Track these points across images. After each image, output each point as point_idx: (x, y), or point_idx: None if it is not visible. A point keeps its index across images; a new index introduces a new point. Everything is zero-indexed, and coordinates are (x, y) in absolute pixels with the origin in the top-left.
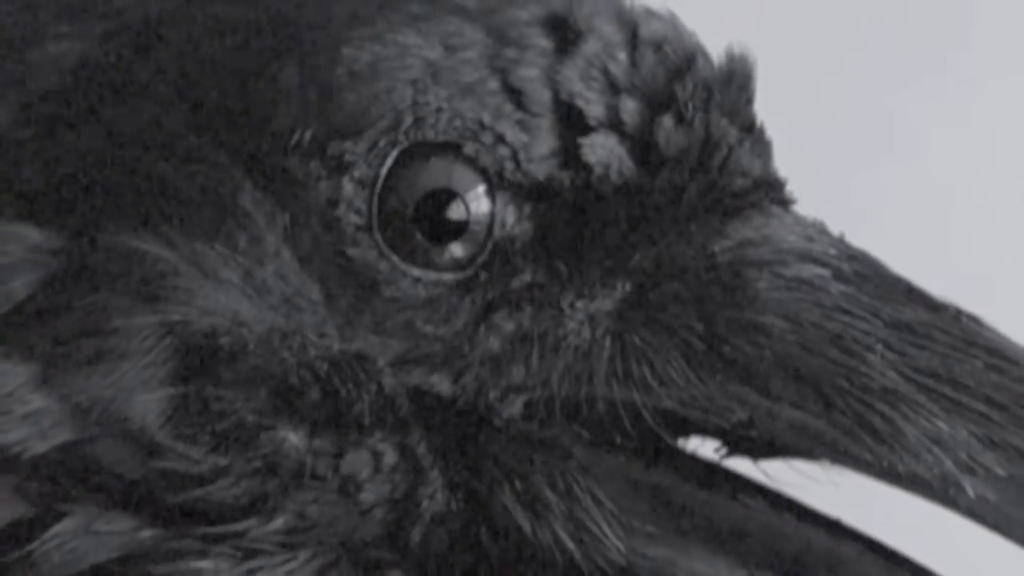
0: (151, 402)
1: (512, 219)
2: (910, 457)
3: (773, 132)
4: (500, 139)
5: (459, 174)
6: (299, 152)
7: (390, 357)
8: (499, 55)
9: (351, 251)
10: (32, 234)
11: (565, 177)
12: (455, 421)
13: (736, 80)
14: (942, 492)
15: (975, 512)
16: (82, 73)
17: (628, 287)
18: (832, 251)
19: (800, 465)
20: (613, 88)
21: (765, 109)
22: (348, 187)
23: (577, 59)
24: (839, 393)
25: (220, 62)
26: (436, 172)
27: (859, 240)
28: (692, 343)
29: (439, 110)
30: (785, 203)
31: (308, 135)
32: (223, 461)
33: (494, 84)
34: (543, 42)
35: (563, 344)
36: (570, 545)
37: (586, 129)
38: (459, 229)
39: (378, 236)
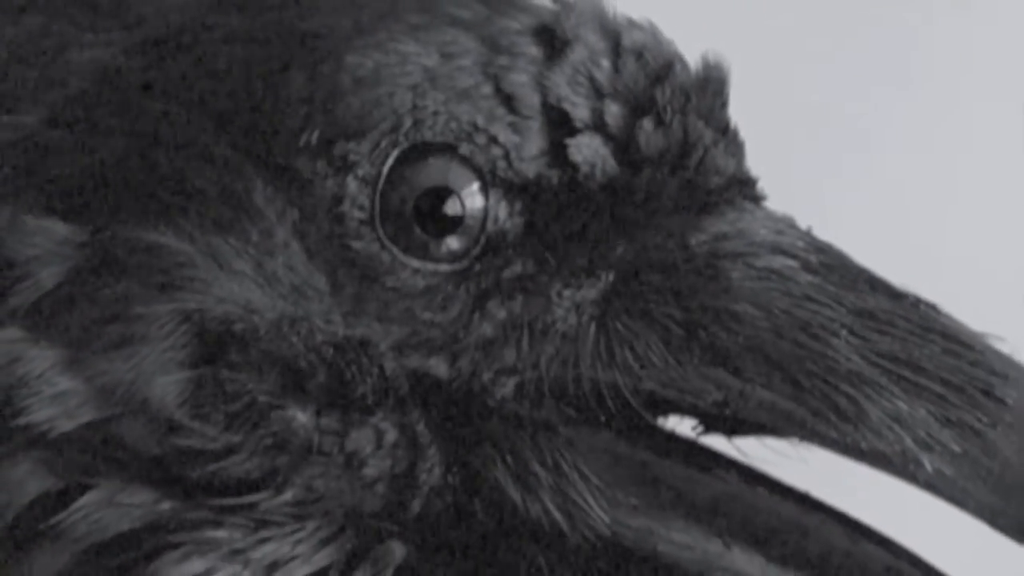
0: (170, 384)
1: (504, 214)
2: (873, 435)
3: (746, 133)
4: (493, 140)
5: (455, 172)
6: (307, 152)
7: (391, 342)
8: (492, 62)
9: (355, 244)
10: (59, 228)
11: (553, 175)
12: (451, 401)
13: (711, 85)
14: (902, 467)
15: (933, 485)
16: (107, 79)
17: (611, 277)
18: (800, 244)
19: (771, 442)
20: (598, 93)
21: (738, 112)
22: (352, 185)
23: (564, 66)
24: (807, 375)
25: (233, 69)
26: (434, 171)
27: (825, 234)
28: (671, 329)
29: (436, 113)
30: (757, 199)
31: (315, 136)
32: (236, 438)
33: (487, 89)
34: (533, 50)
35: (551, 330)
36: (558, 516)
37: (573, 131)
38: (455, 223)
39: (380, 230)
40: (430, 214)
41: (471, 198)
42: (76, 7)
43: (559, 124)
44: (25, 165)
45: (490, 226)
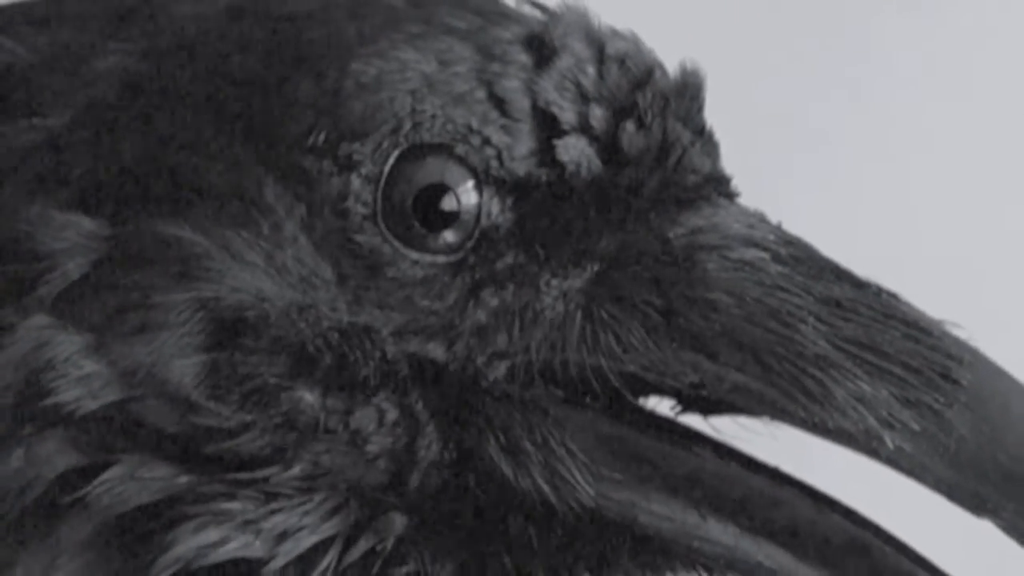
0: (187, 367)
1: (497, 210)
2: (838, 414)
3: (721, 135)
4: (486, 141)
5: (451, 171)
6: (314, 152)
7: (392, 328)
8: (486, 69)
9: (359, 237)
10: (84, 222)
11: (542, 174)
12: (448, 383)
13: (689, 91)
14: (865, 444)
15: (893, 461)
16: (128, 85)
17: (596, 268)
18: (771, 237)
19: (743, 421)
20: (583, 97)
21: (714, 115)
22: (356, 182)
23: (552, 72)
24: (777, 359)
25: (246, 75)
26: (432, 169)
27: (794, 227)
28: (651, 316)
29: (434, 116)
30: (731, 196)
31: (322, 138)
32: (249, 417)
33: (481, 94)
34: (523, 58)
35: (540, 317)
36: (546, 489)
37: (560, 132)
38: (451, 218)
39: (382, 224)
40: (428, 209)
41: (466, 195)
42: (100, 18)
43: (548, 126)
44: (53, 164)
45: (484, 221)
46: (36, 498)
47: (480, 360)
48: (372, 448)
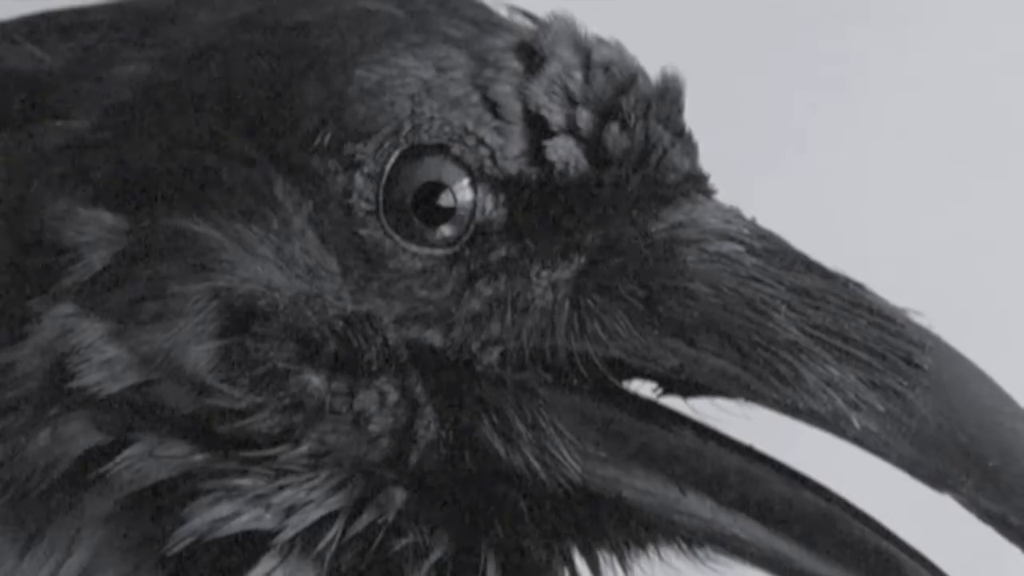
0: (202, 352)
1: (490, 206)
2: (808, 396)
3: (699, 136)
4: (481, 142)
5: (448, 170)
6: (320, 152)
7: (393, 316)
8: (480, 75)
9: (362, 231)
10: (106, 218)
11: (532, 172)
12: (445, 367)
13: (669, 95)
14: (834, 424)
15: (860, 440)
16: (147, 90)
17: (583, 260)
18: (746, 231)
19: (720, 402)
20: (571, 101)
21: (692, 118)
22: (359, 180)
23: (542, 78)
24: (751, 345)
25: (256, 80)
26: (430, 168)
27: (767, 222)
28: (634, 305)
29: (432, 119)
30: (708, 193)
31: (328, 139)
32: (259, 399)
33: (476, 98)
34: (515, 64)
35: (531, 306)
36: (537, 466)
37: (549, 134)
38: (448, 214)
39: (383, 219)
40: (426, 206)
41: (462, 192)
42: (121, 27)
43: (537, 128)
44: (77, 164)
45: (478, 216)
46: (61, 475)
47: (475, 346)
48: (374, 428)
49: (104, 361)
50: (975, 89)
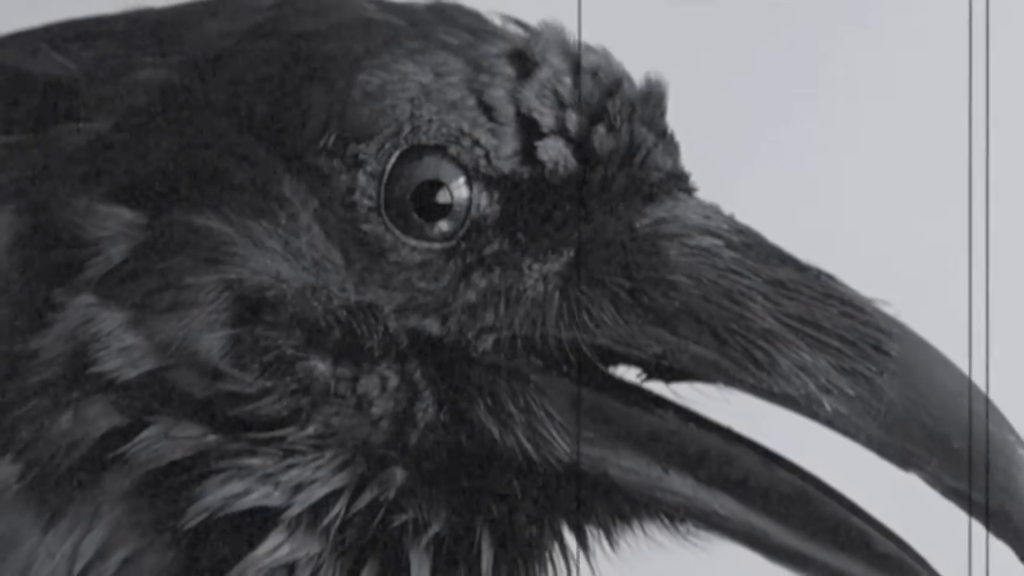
0: (214, 340)
1: (485, 202)
2: (783, 381)
3: (680, 137)
4: (476, 143)
5: (445, 169)
6: (326, 152)
7: (394, 306)
8: (475, 80)
9: (364, 226)
10: (125, 214)
11: (525, 171)
12: (442, 354)
13: (653, 99)
14: (807, 407)
15: (831, 422)
16: (164, 94)
17: (572, 253)
18: (725, 226)
19: (700, 387)
20: (561, 104)
21: (674, 120)
22: (362, 178)
23: (534, 83)
24: (729, 333)
25: (266, 85)
26: (428, 167)
27: (745, 218)
28: (619, 295)
29: (430, 121)
30: (689, 190)
31: (332, 139)
32: (268, 384)
33: (471, 101)
34: (508, 70)
35: (523, 296)
36: (528, 447)
37: (540, 135)
38: (445, 210)
39: (385, 215)
40: (425, 202)
41: (458, 189)
42: (138, 35)
43: (529, 130)
44: (98, 164)
45: (474, 212)
46: (82, 455)
47: (470, 334)
48: (376, 411)
49: (123, 348)
50: (939, 98)
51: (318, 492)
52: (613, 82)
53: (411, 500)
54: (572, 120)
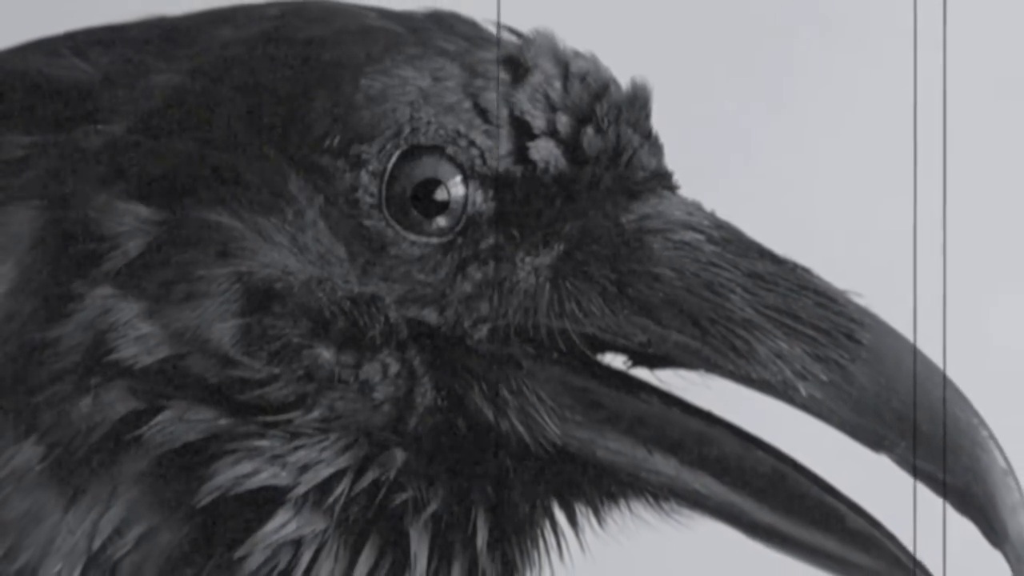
0: (225, 329)
1: (480, 200)
2: (761, 367)
3: (664, 138)
4: (472, 143)
5: (443, 168)
6: (330, 152)
7: (394, 297)
8: (471, 84)
9: (367, 222)
10: (142, 210)
11: (518, 170)
12: (440, 342)
13: (638, 102)
14: (783, 392)
15: (806, 407)
16: (177, 97)
17: (562, 247)
18: (706, 222)
19: (683, 373)
20: (551, 107)
21: (659, 122)
22: (364, 177)
23: (526, 87)
24: (710, 322)
25: (273, 89)
26: (427, 166)
27: (724, 214)
28: (607, 287)
29: (429, 123)
30: (673, 188)
31: (336, 140)
32: (276, 370)
33: (467, 105)
34: (502, 75)
35: (516, 288)
36: (521, 429)
37: (532, 136)
38: (443, 207)
39: (386, 212)
40: (424, 199)
41: (455, 187)
42: (154, 41)
43: (522, 131)
44: (115, 163)
45: (470, 209)
46: (101, 437)
47: (467, 323)
48: (378, 396)
49: (139, 337)
50: (900, 99)
51: (323, 472)
52: (601, 86)
53: (411, 479)
54: (562, 122)
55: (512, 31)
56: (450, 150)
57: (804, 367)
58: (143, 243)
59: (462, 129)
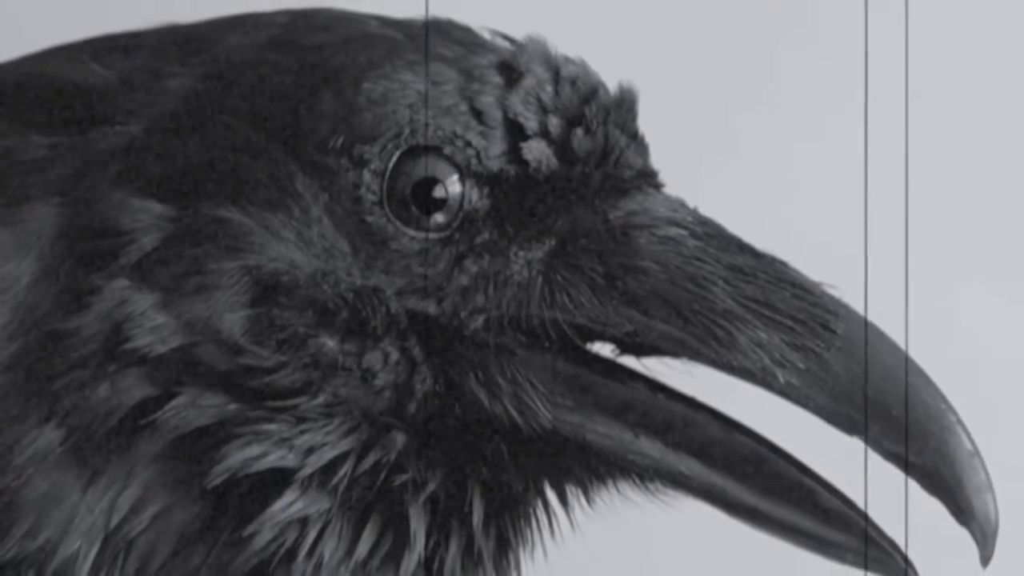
0: (235, 319)
1: (476, 197)
2: (741, 356)
3: (650, 139)
4: (468, 144)
5: (441, 167)
6: (334, 152)
7: (395, 289)
8: (467, 88)
9: (369, 218)
10: (156, 207)
11: (511, 169)
12: (438, 331)
13: (625, 104)
14: (763, 379)
15: (785, 393)
16: (190, 100)
17: (553, 242)
18: (689, 218)
19: (668, 361)
20: (543, 109)
21: (645, 123)
22: (367, 176)
23: (519, 90)
24: (693, 313)
25: (281, 92)
26: (425, 166)
27: (707, 211)
28: (595, 279)
29: (427, 125)
30: (658, 186)
31: (340, 141)
32: (283, 358)
33: (464, 107)
34: (496, 79)
35: (510, 280)
36: (515, 414)
37: (525, 137)
38: (441, 204)
39: (387, 208)
40: (423, 197)
41: (452, 186)
42: (169, 47)
43: (515, 132)
44: (131, 163)
45: (466, 206)
46: (118, 421)
47: (463, 314)
48: (379, 382)
49: (154, 327)
50: (880, 102)
51: (328, 454)
52: (590, 89)
53: (410, 461)
54: (554, 124)
55: (506, 37)
56: (447, 150)
57: (782, 355)
58: (158, 238)
59: (459, 130)
